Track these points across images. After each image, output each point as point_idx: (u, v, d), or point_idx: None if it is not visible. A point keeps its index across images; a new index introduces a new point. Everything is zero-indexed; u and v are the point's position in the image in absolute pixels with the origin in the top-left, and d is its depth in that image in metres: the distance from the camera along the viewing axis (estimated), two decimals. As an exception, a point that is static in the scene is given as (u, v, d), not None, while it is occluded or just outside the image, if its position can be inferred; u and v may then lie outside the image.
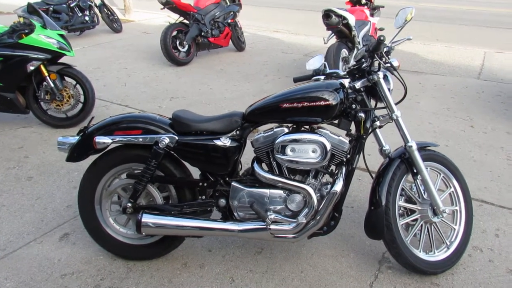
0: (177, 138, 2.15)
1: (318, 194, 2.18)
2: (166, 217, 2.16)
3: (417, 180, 2.27)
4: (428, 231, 2.32)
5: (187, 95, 5.33)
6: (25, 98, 4.11)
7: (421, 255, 2.26)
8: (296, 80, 2.45)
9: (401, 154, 2.26)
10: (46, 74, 4.02)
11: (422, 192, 2.30)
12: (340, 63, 5.02)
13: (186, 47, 6.60)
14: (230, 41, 7.36)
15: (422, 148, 2.30)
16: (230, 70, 6.46)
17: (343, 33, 5.20)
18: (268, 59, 7.14)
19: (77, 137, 2.23)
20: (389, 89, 2.19)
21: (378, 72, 2.13)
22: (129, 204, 2.22)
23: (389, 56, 2.13)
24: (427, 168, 2.29)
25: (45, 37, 3.90)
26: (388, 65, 2.11)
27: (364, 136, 2.18)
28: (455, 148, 3.92)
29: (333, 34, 5.50)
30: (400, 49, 7.80)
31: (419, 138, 4.09)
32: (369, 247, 2.51)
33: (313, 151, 2.09)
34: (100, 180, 2.28)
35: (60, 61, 4.21)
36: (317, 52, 7.33)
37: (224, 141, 2.14)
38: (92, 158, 2.26)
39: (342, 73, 2.31)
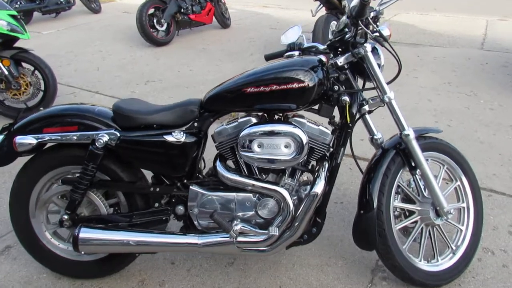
0: (118, 134, 1.74)
1: (296, 197, 1.79)
2: (109, 232, 1.76)
3: (416, 175, 1.87)
4: (430, 235, 1.94)
5: (164, 78, 4.88)
6: (-22, 88, 3.68)
7: (422, 265, 1.88)
8: (267, 57, 2.03)
9: (396, 144, 1.86)
10: (-2, 60, 3.57)
11: (422, 188, 1.91)
12: (330, 37, 4.56)
13: (165, 25, 6.10)
14: (214, 17, 6.85)
15: (421, 136, 1.90)
16: (213, 49, 5.98)
17: (332, 4, 4.71)
18: (255, 36, 6.64)
19: (1, 136, 1.82)
20: (379, 65, 1.77)
21: (365, 44, 1.70)
22: (65, 217, 1.82)
23: (378, 24, 1.70)
24: (427, 160, 1.90)
25: (-8, 18, 3.43)
26: (377, 34, 1.69)
27: (350, 125, 1.77)
28: (459, 128, 3.51)
29: (321, 5, 5.01)
30: (395, 20, 7.30)
31: (417, 118, 3.68)
32: (360, 253, 2.13)
33: (286, 146, 1.68)
34: (33, 187, 1.88)
35: (20, 45, 3.76)
36: (306, 26, 6.82)
37: (177, 136, 1.73)
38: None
39: (322, 47, 1.88)
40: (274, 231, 1.71)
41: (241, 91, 1.68)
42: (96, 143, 1.71)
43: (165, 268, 2.08)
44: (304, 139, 1.67)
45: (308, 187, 1.76)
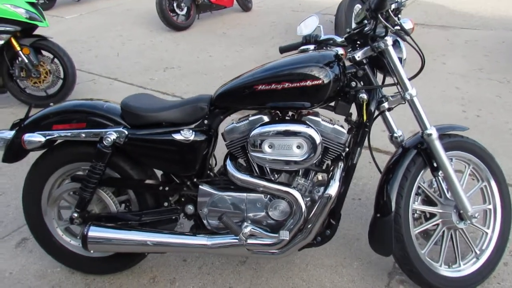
0: (126, 132, 1.69)
1: (309, 198, 1.72)
2: (118, 231, 1.74)
3: (438, 177, 1.76)
4: (452, 238, 1.84)
5: (183, 65, 4.82)
6: (1, 76, 3.72)
7: (442, 270, 1.79)
8: (282, 49, 1.93)
9: (417, 144, 1.74)
10: (18, 48, 3.59)
11: (445, 190, 1.79)
12: (353, 23, 4.37)
13: (185, 9, 6.01)
14: (235, 0, 6.70)
15: (445, 134, 1.77)
16: (233, 34, 5.86)
17: (356, -15, 4.50)
18: (277, 19, 6.47)
19: (13, 132, 1.81)
20: (400, 59, 1.65)
21: (386, 38, 1.58)
22: (75, 214, 1.81)
23: (399, 16, 1.57)
24: (451, 160, 1.78)
25: (11, 6, 3.43)
26: (398, 28, 1.56)
27: (368, 123, 1.67)
28: (488, 119, 3.32)
29: (345, -13, 4.79)
30: (424, 0, 6.96)
31: (443, 107, 3.50)
32: (377, 254, 2.03)
33: (298, 147, 1.60)
34: (44, 183, 1.87)
35: (40, 32, 3.77)
36: (330, 8, 6.59)
37: (186, 135, 1.67)
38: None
39: (339, 40, 1.77)
40: (284, 235, 1.64)
41: (252, 89, 1.60)
42: (103, 141, 1.67)
43: (177, 265, 2.05)
44: (318, 139, 1.58)
45: (322, 188, 1.68)
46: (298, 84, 1.55)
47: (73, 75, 3.83)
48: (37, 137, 1.69)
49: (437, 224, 1.81)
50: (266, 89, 1.58)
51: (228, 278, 1.98)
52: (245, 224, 1.70)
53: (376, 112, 1.71)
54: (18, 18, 3.45)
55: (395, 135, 1.79)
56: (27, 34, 3.69)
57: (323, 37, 1.81)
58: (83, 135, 1.71)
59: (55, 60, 3.79)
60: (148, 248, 1.76)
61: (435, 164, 1.72)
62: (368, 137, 1.79)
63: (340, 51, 1.68)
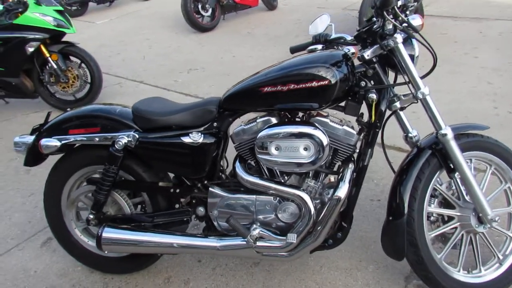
0: (137, 136, 1.73)
1: (318, 201, 1.69)
2: (131, 232, 1.78)
3: (455, 178, 1.68)
4: (472, 242, 1.75)
5: (207, 66, 4.87)
6: (32, 81, 3.90)
7: (461, 275, 1.71)
8: (293, 50, 1.91)
9: (432, 144, 1.68)
10: (48, 55, 3.74)
11: (464, 192, 1.71)
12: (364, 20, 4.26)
13: (210, 10, 6.06)
14: (260, -1, 6.70)
15: (463, 134, 1.70)
16: (258, 33, 5.86)
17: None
18: (302, 16, 6.41)
19: (33, 137, 1.89)
20: (412, 57, 1.59)
21: (395, 35, 1.53)
22: (91, 216, 1.86)
23: (407, 13, 1.51)
24: (470, 160, 1.71)
25: (39, 14, 3.59)
26: (405, 25, 1.50)
27: (378, 124, 1.62)
28: (521, 115, 3.15)
29: (370, -18, 4.68)
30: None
31: (473, 104, 3.35)
32: (394, 258, 1.99)
33: (305, 149, 1.57)
34: (63, 186, 1.95)
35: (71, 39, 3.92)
36: (356, 4, 6.45)
37: (195, 138, 1.69)
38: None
39: (349, 38, 1.72)
40: (292, 238, 1.62)
41: (258, 91, 1.59)
42: (115, 145, 1.71)
43: (191, 266, 2.08)
44: (325, 141, 1.55)
45: (332, 190, 1.64)
46: (304, 85, 1.53)
47: (99, 79, 3.95)
48: (53, 142, 1.76)
49: (455, 228, 1.74)
50: (272, 91, 1.57)
51: (241, 280, 1.98)
52: (254, 226, 1.69)
53: (388, 112, 1.66)
54: (46, 26, 3.60)
55: (410, 135, 1.73)
56: (56, 41, 3.84)
57: (333, 36, 1.78)
58: (97, 139, 1.76)
59: (82, 65, 3.93)
60: (160, 250, 1.79)
61: (451, 165, 1.65)
62: (381, 137, 1.75)
63: (352, 49, 1.64)
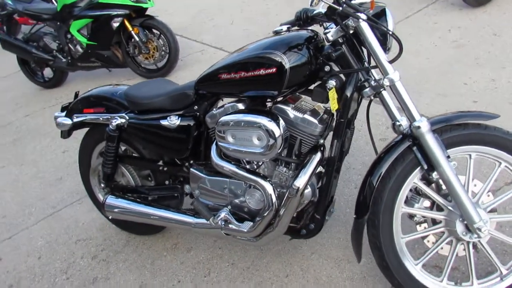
0: (127, 117, 1.88)
1: (285, 190, 1.63)
2: (127, 202, 1.99)
3: (433, 178, 1.44)
4: (468, 251, 1.50)
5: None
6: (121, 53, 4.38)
7: (442, 286, 1.50)
8: (276, 31, 1.79)
9: (409, 136, 1.45)
10: (130, 28, 4.14)
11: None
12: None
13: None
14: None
15: (459, 124, 1.42)
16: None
17: None
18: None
19: (63, 114, 2.20)
20: (386, 37, 1.37)
21: (358, 13, 1.33)
22: (102, 185, 2.13)
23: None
24: (469, 156, 1.44)
25: (119, -8, 3.95)
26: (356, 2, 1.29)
27: (343, 113, 1.46)
28: None
29: None
30: None
31: None
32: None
33: (259, 138, 1.52)
34: (91, 156, 2.24)
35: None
36: None
37: (172, 120, 1.76)
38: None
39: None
40: (247, 225, 1.63)
41: (218, 77, 1.58)
42: (110, 125, 1.90)
43: (197, 236, 2.22)
44: (277, 131, 1.48)
45: (291, 180, 1.57)
46: (252, 73, 1.46)
47: (176, 49, 4.22)
48: (66, 120, 2.03)
49: (443, 232, 1.51)
50: (228, 78, 1.54)
51: (235, 255, 2.06)
52: (224, 209, 1.73)
53: (358, 100, 1.48)
54: (126, 2, 3.96)
55: (397, 123, 1.51)
56: (140, 14, 4.20)
57: (314, 12, 1.61)
58: (101, 118, 1.97)
59: (161, 36, 4.24)
60: (150, 220, 1.96)
61: (426, 165, 1.41)
62: (368, 125, 1.58)
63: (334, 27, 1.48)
